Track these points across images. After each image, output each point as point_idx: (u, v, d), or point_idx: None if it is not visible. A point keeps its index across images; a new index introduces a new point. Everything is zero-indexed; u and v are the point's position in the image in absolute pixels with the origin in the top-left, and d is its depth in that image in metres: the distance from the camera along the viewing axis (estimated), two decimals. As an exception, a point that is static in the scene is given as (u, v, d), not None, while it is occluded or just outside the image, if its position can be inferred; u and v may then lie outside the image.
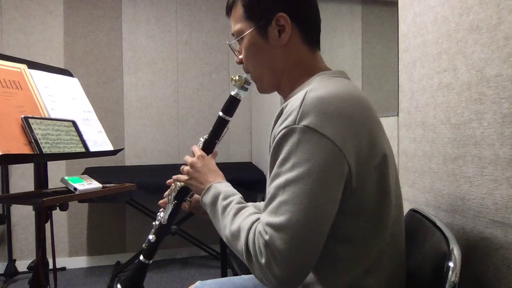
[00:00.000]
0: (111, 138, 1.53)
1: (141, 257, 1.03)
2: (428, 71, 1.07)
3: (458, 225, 0.95)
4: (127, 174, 2.87)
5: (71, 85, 1.51)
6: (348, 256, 0.72)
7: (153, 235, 1.02)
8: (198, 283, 1.06)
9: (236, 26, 0.85)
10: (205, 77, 3.27)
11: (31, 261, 2.73)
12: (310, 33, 0.84)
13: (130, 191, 1.70)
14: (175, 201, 1.01)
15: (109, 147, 1.48)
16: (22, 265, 2.74)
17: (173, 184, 1.02)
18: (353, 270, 0.72)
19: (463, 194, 0.94)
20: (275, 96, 2.59)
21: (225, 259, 2.45)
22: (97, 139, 1.45)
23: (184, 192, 1.01)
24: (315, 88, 0.70)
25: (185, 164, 0.96)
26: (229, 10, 0.87)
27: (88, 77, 2.98)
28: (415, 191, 1.13)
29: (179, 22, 3.20)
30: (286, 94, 0.86)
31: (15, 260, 2.75)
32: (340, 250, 0.72)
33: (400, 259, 0.79)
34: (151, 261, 1.03)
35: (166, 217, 1.01)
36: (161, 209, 1.03)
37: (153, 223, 1.04)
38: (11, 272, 2.66)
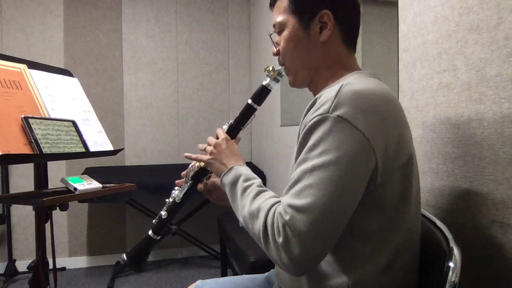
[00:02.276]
0: (111, 138, 1.53)
1: (150, 232, 1.03)
2: (428, 71, 1.07)
3: (458, 225, 0.95)
4: (127, 174, 2.87)
5: (71, 85, 1.51)
6: (364, 252, 0.73)
7: (165, 212, 1.02)
8: (199, 282, 1.07)
9: (279, 18, 0.87)
10: (205, 77, 3.27)
11: (31, 261, 2.73)
12: (350, 34, 0.85)
13: (130, 191, 1.69)
14: (192, 181, 1.01)
15: (109, 147, 1.48)
16: (22, 265, 2.74)
17: (192, 163, 1.02)
18: (367, 267, 0.73)
19: (463, 194, 0.94)
20: (275, 96, 2.59)
21: (225, 259, 2.46)
22: (97, 139, 1.45)
23: (202, 173, 1.01)
24: (352, 83, 0.71)
25: (208, 145, 0.97)
26: (273, 1, 0.90)
27: (88, 77, 2.98)
28: (415, 191, 1.12)
29: (179, 22, 3.20)
30: (317, 91, 0.87)
31: (15, 260, 2.75)
32: (356, 245, 0.73)
33: (414, 261, 0.79)
34: (158, 237, 1.03)
35: (181, 195, 1.01)
36: (176, 188, 1.03)
37: (166, 200, 1.03)
38: (11, 272, 2.66)
